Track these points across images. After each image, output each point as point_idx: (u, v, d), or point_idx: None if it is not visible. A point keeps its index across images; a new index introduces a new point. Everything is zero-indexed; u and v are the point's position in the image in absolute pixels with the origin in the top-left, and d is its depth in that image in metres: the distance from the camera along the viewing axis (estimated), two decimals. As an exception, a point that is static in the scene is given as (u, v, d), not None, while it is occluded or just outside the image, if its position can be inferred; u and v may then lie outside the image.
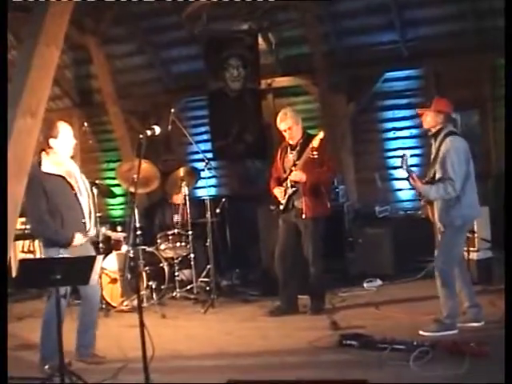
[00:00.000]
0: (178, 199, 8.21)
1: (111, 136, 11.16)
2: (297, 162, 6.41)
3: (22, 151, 3.60)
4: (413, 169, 5.55)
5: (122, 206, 11.23)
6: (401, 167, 5.45)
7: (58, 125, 5.17)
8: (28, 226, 7.20)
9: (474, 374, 4.20)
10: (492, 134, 8.60)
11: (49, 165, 5.10)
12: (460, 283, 5.51)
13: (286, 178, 6.52)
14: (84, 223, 5.20)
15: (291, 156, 6.57)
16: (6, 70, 3.58)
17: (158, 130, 4.58)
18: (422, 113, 5.56)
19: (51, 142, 5.11)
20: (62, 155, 5.22)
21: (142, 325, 3.94)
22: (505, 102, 3.33)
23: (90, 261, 4.35)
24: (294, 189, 6.45)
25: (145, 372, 3.97)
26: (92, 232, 5.34)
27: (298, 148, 6.51)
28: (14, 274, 4.45)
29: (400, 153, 9.22)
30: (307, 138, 6.44)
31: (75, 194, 5.17)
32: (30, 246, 9.19)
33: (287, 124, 6.53)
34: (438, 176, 5.37)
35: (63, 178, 5.15)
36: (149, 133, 4.49)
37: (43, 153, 5.13)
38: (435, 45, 8.70)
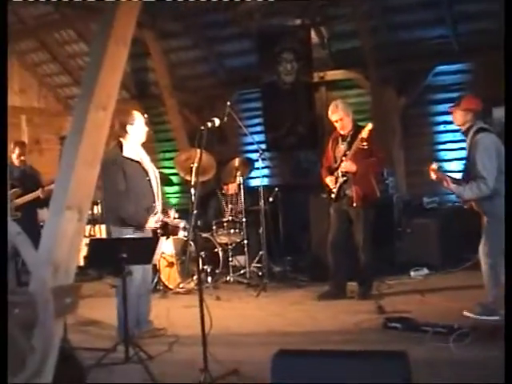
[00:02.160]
0: (231, 188, 8.57)
1: (167, 127, 11.58)
2: (347, 153, 6.67)
3: (96, 141, 3.93)
4: (449, 173, 5.83)
5: (178, 195, 11.63)
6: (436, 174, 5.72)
7: (134, 113, 5.71)
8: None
9: None
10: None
11: (128, 150, 5.57)
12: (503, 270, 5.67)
13: (337, 168, 6.78)
14: (155, 207, 5.62)
15: (342, 146, 6.83)
16: (6, 69, 3.83)
17: (217, 121, 4.88)
18: (453, 110, 5.73)
19: (128, 128, 5.59)
20: (136, 141, 5.68)
21: (201, 301, 4.26)
22: (505, 101, 3.42)
23: (153, 242, 4.71)
24: (344, 178, 6.72)
25: (203, 345, 4.29)
26: (158, 216, 5.72)
27: (348, 139, 6.78)
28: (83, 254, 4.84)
29: (450, 146, 9.50)
30: (357, 130, 6.69)
31: (149, 180, 5.60)
32: (90, 230, 9.73)
33: (338, 115, 6.80)
34: (472, 173, 5.54)
35: (139, 163, 5.61)
36: (209, 125, 4.80)
37: (122, 138, 5.60)
38: (485, 39, 8.71)
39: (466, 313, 5.55)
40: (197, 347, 4.56)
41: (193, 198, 4.83)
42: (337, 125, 6.85)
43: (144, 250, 4.81)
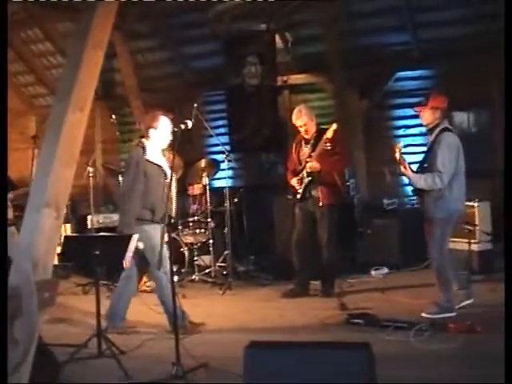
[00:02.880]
0: (196, 189, 8.70)
1: (132, 128, 11.62)
2: (312, 154, 6.87)
3: (72, 141, 4.08)
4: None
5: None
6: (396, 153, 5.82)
7: (161, 118, 5.69)
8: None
9: (468, 348, 4.69)
10: (500, 133, 8.90)
11: (151, 153, 5.62)
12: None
13: (302, 170, 6.97)
14: (171, 209, 5.69)
15: (306, 149, 7.03)
16: (6, 69, 3.92)
17: (190, 124, 5.01)
18: (420, 110, 5.94)
19: (151, 132, 5.64)
20: (158, 146, 5.71)
21: (174, 297, 4.41)
22: (505, 102, 3.59)
23: (126, 239, 4.84)
24: (309, 178, 6.91)
25: (175, 338, 4.43)
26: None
27: (312, 141, 6.97)
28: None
29: (410, 149, 9.75)
30: (321, 132, 6.89)
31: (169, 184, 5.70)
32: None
33: (303, 121, 6.99)
34: (429, 168, 5.75)
35: (161, 167, 5.65)
36: (182, 127, 4.92)
37: (145, 140, 5.65)
38: (446, 46, 8.98)
39: (423, 314, 5.74)
40: (168, 342, 4.73)
41: (167, 196, 4.97)
42: (301, 130, 7.03)
43: (116, 247, 4.93)
